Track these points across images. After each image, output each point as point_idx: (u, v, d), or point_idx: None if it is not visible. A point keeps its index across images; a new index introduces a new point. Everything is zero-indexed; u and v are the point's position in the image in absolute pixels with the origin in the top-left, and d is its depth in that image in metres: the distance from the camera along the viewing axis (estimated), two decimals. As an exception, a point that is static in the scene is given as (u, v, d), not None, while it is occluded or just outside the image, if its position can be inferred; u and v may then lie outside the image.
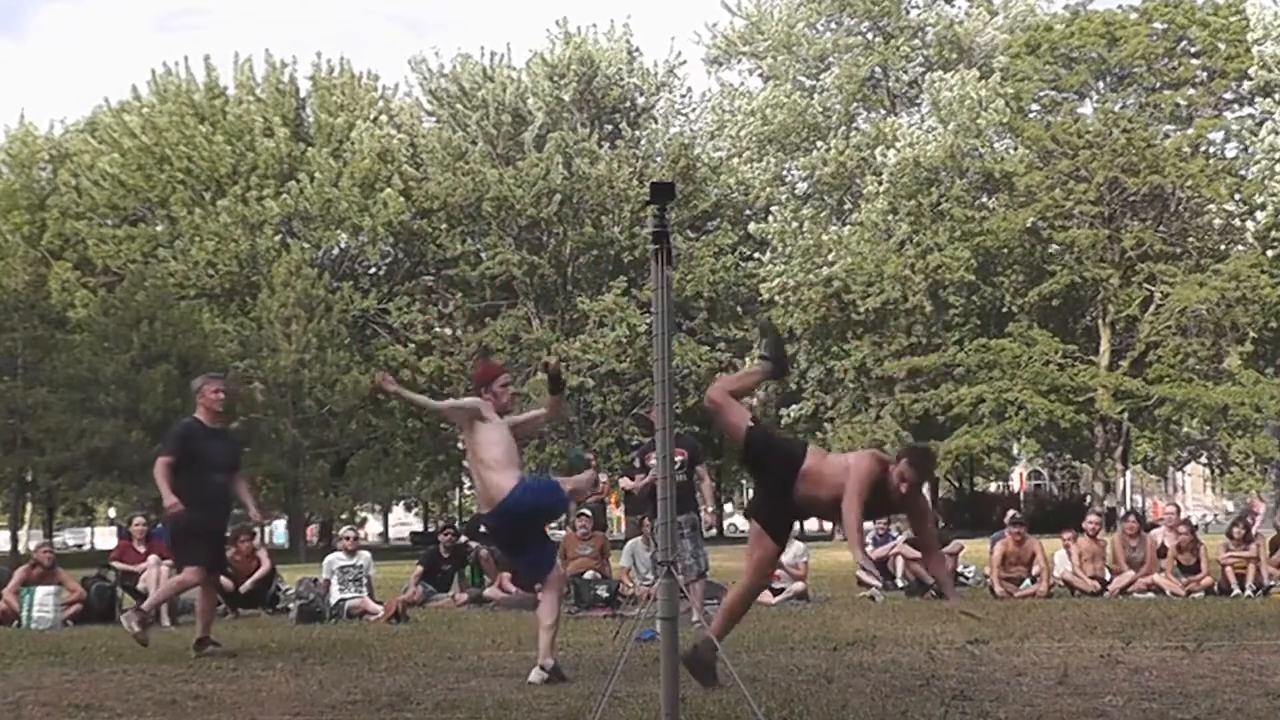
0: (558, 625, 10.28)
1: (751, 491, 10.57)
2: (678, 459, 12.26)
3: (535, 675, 9.86)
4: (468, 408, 10.40)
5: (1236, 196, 57.56)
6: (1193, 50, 60.39)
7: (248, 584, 18.23)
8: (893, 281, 55.60)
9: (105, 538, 78.99)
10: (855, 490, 9.21)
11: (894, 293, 55.61)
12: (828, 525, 52.73)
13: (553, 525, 14.81)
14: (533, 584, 10.37)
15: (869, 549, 21.14)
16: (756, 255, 60.84)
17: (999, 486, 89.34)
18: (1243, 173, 58.22)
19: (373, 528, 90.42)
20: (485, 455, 10.07)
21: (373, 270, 65.13)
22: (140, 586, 17.08)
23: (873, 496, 9.27)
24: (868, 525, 21.49)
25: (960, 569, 20.51)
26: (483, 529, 20.65)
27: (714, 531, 63.26)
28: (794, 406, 58.60)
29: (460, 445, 64.24)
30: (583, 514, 20.29)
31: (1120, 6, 61.35)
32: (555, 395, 10.79)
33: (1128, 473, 64.58)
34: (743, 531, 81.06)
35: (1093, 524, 19.77)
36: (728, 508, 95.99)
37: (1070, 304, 58.14)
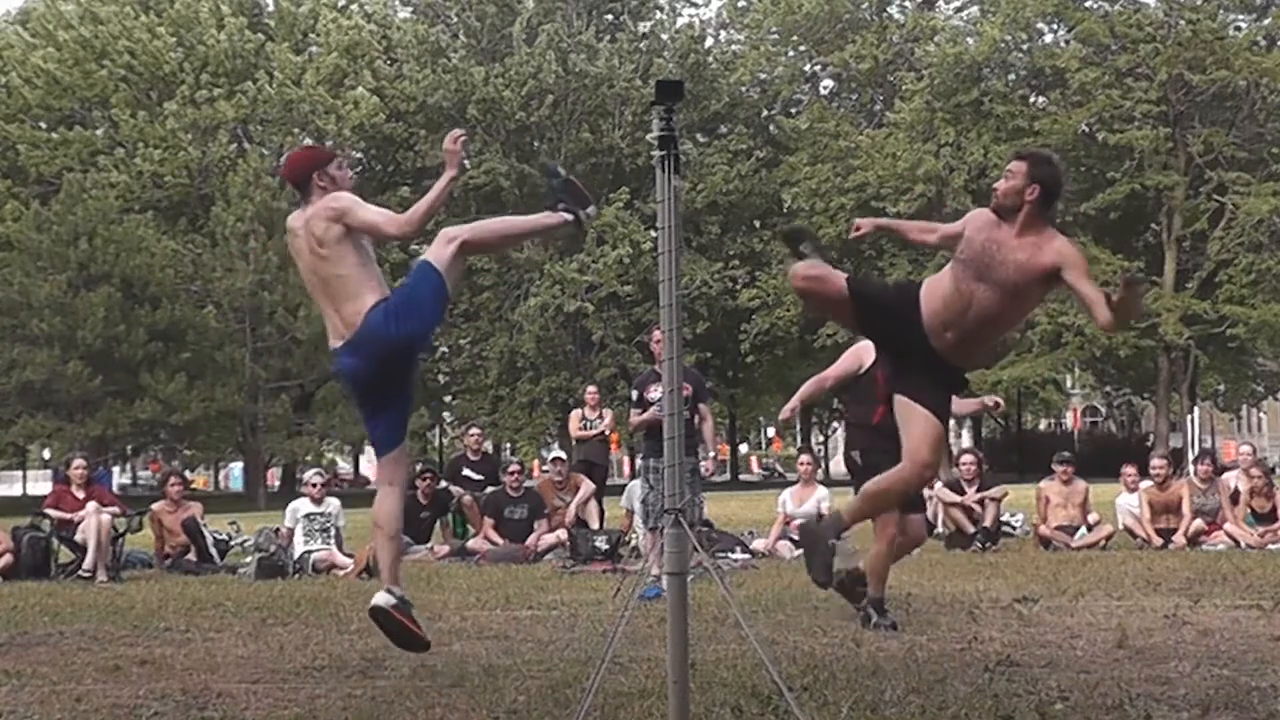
0: (400, 538, 8.82)
1: (885, 367, 9.19)
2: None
3: (380, 598, 8.37)
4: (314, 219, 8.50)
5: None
6: (1269, -72, 60.03)
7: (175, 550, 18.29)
8: (928, 184, 55.37)
9: (39, 483, 79.18)
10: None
11: (929, 194, 55.33)
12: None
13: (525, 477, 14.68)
14: (380, 452, 9.06)
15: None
16: (783, 158, 60.61)
17: (1050, 424, 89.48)
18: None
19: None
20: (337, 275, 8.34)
21: (342, 179, 64.98)
22: (78, 538, 17.07)
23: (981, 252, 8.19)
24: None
25: (1005, 517, 20.50)
26: (465, 472, 20.70)
27: (727, 476, 63.36)
28: (822, 331, 58.53)
29: (441, 379, 64.42)
30: (558, 458, 20.48)
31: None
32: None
33: (1195, 409, 64.61)
34: (759, 477, 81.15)
35: (1158, 470, 19.50)
36: (743, 448, 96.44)
37: (1131, 216, 57.97)
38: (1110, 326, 7.93)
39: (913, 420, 8.33)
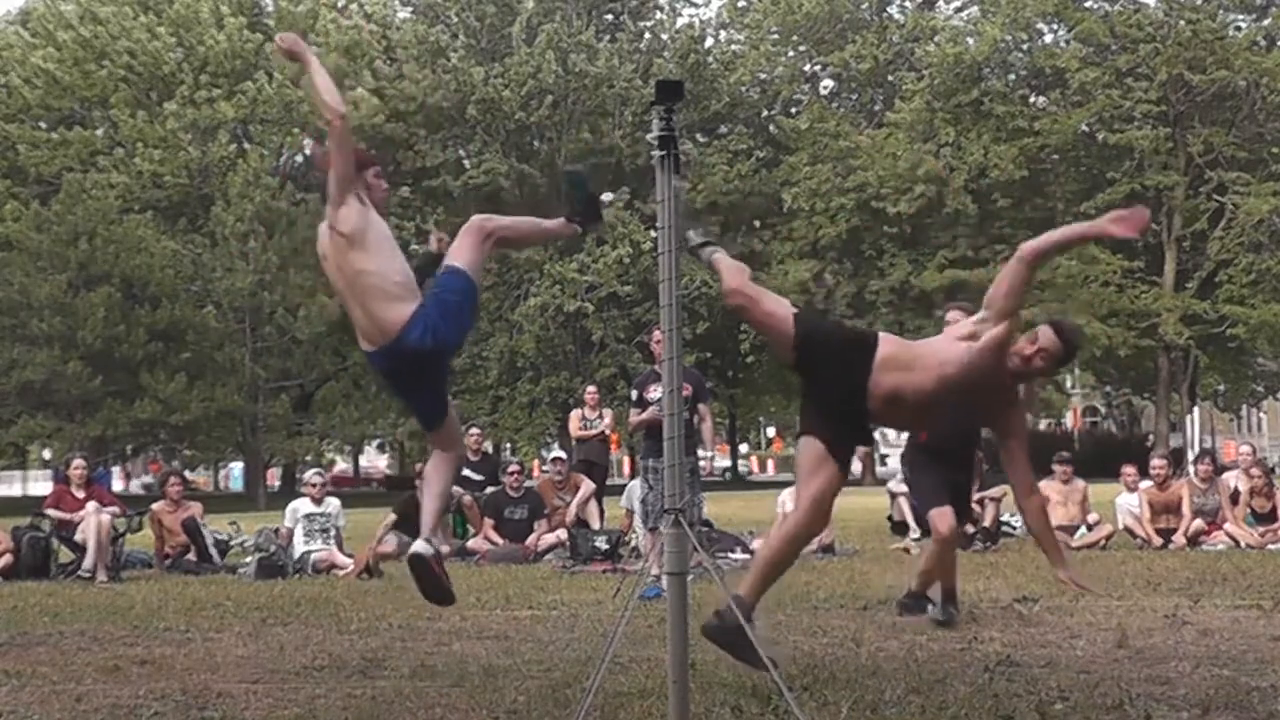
0: (446, 497, 8.79)
1: (802, 403, 8.45)
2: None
3: (420, 546, 7.99)
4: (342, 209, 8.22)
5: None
6: (1268, -73, 59.97)
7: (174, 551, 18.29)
8: (928, 184, 55.32)
9: (39, 483, 79.06)
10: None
11: (930, 194, 55.26)
12: (855, 467, 52.82)
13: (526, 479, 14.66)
14: (428, 429, 9.07)
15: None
16: (783, 158, 60.59)
17: (1050, 424, 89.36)
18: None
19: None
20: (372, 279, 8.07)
21: (341, 180, 64.80)
22: (78, 538, 17.07)
23: (977, 392, 7.81)
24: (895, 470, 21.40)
25: (1005, 517, 20.48)
26: (465, 472, 20.65)
27: (728, 475, 63.15)
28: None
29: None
30: (558, 458, 20.42)
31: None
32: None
33: (1195, 409, 64.56)
34: (759, 478, 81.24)
35: (1158, 470, 19.45)
36: (743, 448, 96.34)
37: (1131, 216, 57.86)
38: (1019, 507, 8.20)
39: (823, 471, 7.80)
